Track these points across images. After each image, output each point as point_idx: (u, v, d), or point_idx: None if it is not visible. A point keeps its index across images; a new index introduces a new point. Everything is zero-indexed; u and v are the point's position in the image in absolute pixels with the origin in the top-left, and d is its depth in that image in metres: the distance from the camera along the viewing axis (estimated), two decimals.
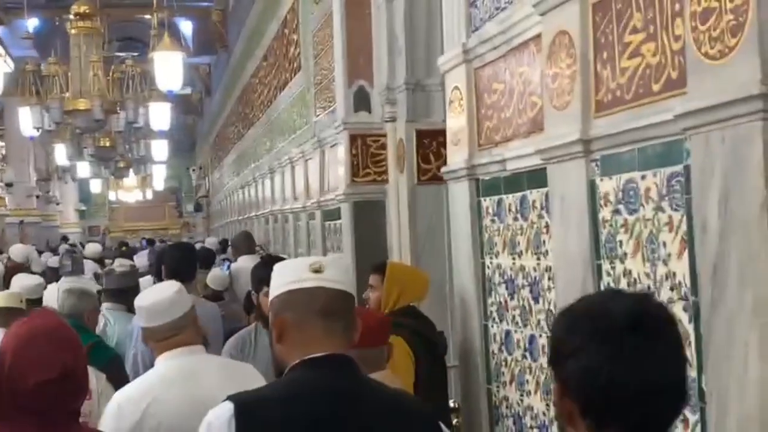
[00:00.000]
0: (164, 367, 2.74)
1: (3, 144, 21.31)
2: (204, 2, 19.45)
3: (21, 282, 5.15)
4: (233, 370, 2.83)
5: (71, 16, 10.62)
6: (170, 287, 2.87)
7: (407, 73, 5.56)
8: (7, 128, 19.25)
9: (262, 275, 3.57)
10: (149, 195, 29.57)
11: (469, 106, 3.87)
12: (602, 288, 2.74)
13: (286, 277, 1.88)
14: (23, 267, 8.59)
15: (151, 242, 16.04)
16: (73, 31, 10.62)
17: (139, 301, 2.83)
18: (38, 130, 11.18)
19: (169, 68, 9.36)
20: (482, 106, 3.79)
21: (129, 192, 29.32)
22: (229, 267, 7.82)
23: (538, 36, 3.14)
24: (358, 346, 1.93)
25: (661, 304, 1.40)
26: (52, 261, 9.75)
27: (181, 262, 4.71)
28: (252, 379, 2.65)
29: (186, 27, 23.29)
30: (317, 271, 1.84)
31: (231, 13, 16.44)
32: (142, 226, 30.18)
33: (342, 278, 1.88)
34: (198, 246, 8.68)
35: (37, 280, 5.29)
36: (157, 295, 2.81)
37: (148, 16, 12.51)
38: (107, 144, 14.45)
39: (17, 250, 9.60)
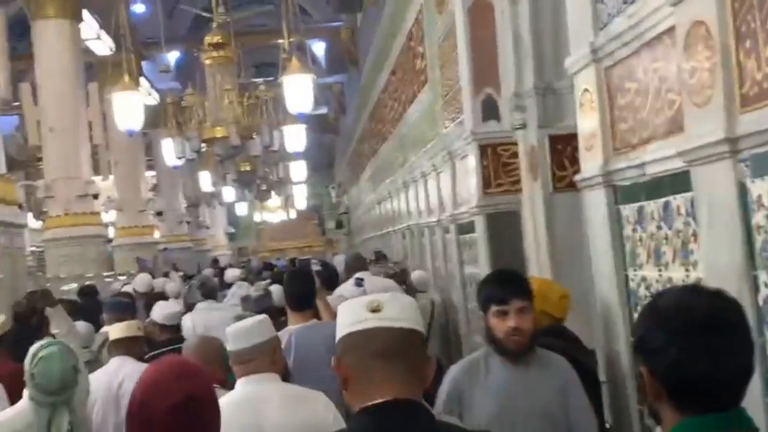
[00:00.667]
0: (236, 391, 2.98)
1: (154, 174, 22.29)
2: (334, 23, 19.73)
3: (161, 310, 5.28)
4: (299, 400, 2.97)
5: (205, 47, 10.93)
6: (258, 317, 3.18)
7: (536, 78, 5.32)
8: (156, 159, 20.10)
9: (489, 293, 3.33)
10: (292, 214, 30.28)
11: (601, 108, 3.62)
12: (760, 302, 2.46)
13: (346, 319, 1.77)
14: (151, 295, 8.70)
15: (269, 267, 16.11)
16: (207, 62, 10.93)
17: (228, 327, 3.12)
18: (181, 159, 11.55)
19: (298, 91, 9.46)
20: (615, 108, 3.53)
21: (273, 213, 30.11)
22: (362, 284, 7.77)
23: (672, 28, 2.87)
24: None
25: (734, 300, 1.58)
26: (170, 288, 9.73)
27: (297, 292, 4.71)
28: (321, 410, 2.83)
29: (318, 48, 23.76)
30: (375, 310, 1.73)
31: (360, 30, 16.59)
32: (288, 245, 30.91)
33: (403, 315, 1.74)
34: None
35: (176, 307, 5.41)
36: (242, 322, 3.09)
37: (281, 40, 12.73)
38: (248, 168, 14.81)
39: (140, 281, 9.76)
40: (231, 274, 10.61)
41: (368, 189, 18.04)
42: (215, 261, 22.67)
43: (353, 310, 1.77)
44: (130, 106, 9.34)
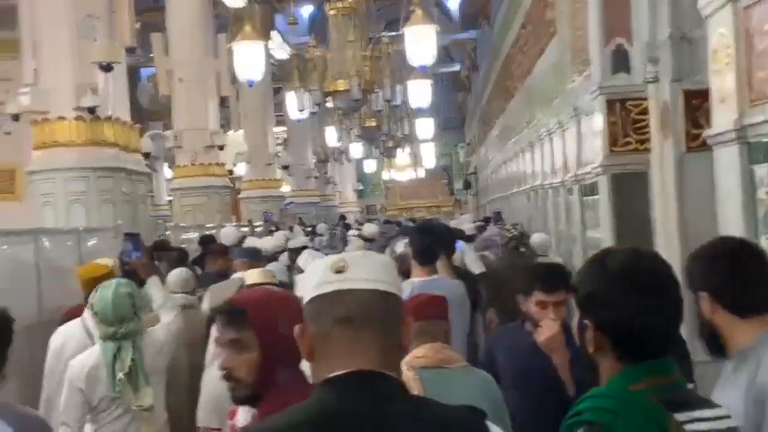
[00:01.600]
0: None
1: (284, 129, 22.47)
2: None
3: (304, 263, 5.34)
4: None
5: None
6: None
7: (671, 26, 4.77)
8: (286, 114, 20.23)
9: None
10: (421, 173, 29.99)
11: (738, 55, 3.12)
12: None
13: (309, 281, 1.54)
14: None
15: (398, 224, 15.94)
16: (331, 12, 10.70)
17: None
18: (302, 113, 11.42)
19: (421, 43, 9.10)
20: (753, 54, 3.03)
21: (402, 171, 29.93)
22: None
23: None
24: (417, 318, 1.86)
25: (667, 263, 1.80)
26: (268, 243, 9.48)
27: (422, 246, 4.84)
28: None
29: (452, 3, 23.18)
30: (339, 270, 1.49)
31: None
32: (416, 204, 30.67)
33: (372, 275, 1.50)
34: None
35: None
36: None
37: None
38: (373, 124, 14.60)
39: (227, 233, 9.46)
40: (369, 230, 10.51)
41: (495, 148, 17.55)
42: (342, 217, 22.76)
43: (317, 271, 1.53)
44: (251, 57, 9.22)
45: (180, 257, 6.92)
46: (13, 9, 10.02)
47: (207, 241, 8.61)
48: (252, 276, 4.65)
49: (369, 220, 21.46)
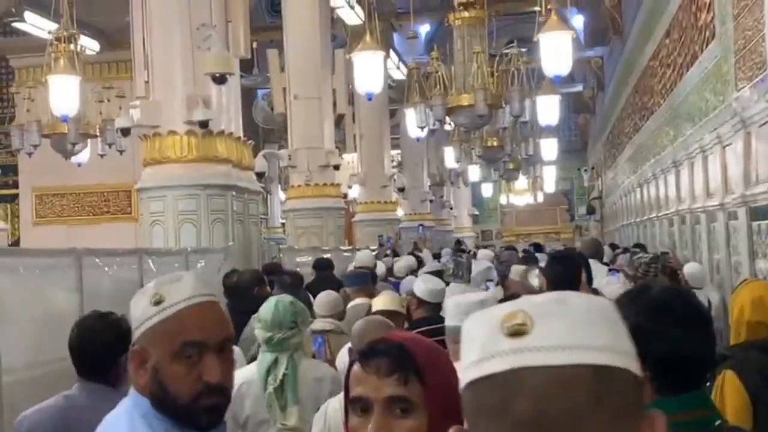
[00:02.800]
0: None
1: (399, 152, 21.92)
2: None
3: (424, 284, 4.76)
4: None
5: (455, 7, 10.02)
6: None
7: None
8: (402, 135, 19.66)
9: None
10: (540, 198, 28.89)
11: None
12: None
13: (469, 348, 0.82)
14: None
15: (538, 247, 15.07)
16: (456, 23, 10.01)
17: None
18: (422, 130, 10.74)
19: (557, 50, 8.30)
20: None
21: (520, 195, 28.90)
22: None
23: None
24: None
25: (700, 300, 1.98)
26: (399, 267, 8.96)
27: (561, 275, 4.38)
28: None
29: (577, 21, 22.19)
30: (518, 333, 0.79)
31: None
32: (534, 230, 29.62)
33: (581, 339, 0.78)
34: None
35: (441, 284, 4.89)
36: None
37: (537, 8, 11.61)
38: (494, 144, 13.83)
39: (363, 257, 8.94)
40: (484, 254, 9.75)
41: (626, 171, 16.42)
42: (458, 242, 21.99)
43: (481, 331, 0.82)
44: (371, 68, 8.60)
45: (293, 281, 6.32)
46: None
47: (322, 266, 8.01)
48: (381, 301, 4.28)
49: (485, 246, 20.66)
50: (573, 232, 30.11)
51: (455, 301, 3.22)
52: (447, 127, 19.31)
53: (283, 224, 16.27)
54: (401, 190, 16.59)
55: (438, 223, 22.83)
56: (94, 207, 15.36)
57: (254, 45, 11.90)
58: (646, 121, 12.71)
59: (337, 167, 12.24)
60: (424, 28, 21.04)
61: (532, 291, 5.31)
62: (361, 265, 7.78)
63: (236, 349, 3.51)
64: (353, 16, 15.42)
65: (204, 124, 7.91)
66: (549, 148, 15.73)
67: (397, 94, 19.41)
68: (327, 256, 8.93)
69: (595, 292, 5.35)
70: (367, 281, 6.15)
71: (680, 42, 9.19)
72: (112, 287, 5.42)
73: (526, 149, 14.11)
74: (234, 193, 8.30)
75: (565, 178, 29.08)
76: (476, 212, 29.51)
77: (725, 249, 6.94)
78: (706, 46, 7.70)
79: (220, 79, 7.88)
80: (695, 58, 8.33)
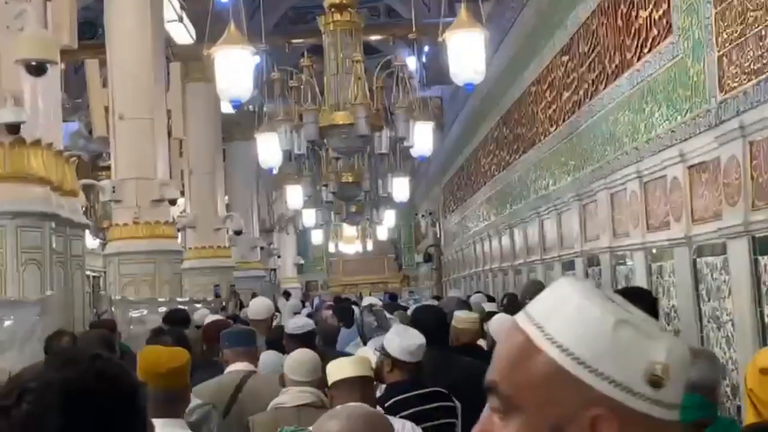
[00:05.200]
0: None
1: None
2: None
3: (399, 339, 3.71)
4: None
5: (326, 8, 8.38)
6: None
7: None
8: (228, 177, 17.70)
9: None
10: (369, 246, 27.52)
11: None
12: None
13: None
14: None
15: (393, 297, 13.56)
16: (329, 28, 8.36)
17: None
18: (289, 155, 8.93)
19: (468, 53, 6.83)
20: None
21: (350, 243, 27.43)
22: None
23: None
24: None
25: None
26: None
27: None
28: None
29: (411, 62, 21.23)
30: (656, 384, 0.79)
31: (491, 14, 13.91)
32: (361, 279, 28.21)
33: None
34: None
35: (419, 340, 3.76)
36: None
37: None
38: (350, 180, 12.23)
39: (258, 306, 6.84)
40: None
41: (481, 215, 15.35)
42: (286, 293, 20.17)
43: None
44: (237, 67, 6.76)
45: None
46: None
47: (177, 320, 6.01)
48: (343, 369, 3.05)
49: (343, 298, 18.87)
50: (401, 281, 29.00)
51: None
52: (274, 171, 17.60)
53: (102, 272, 13.71)
54: (238, 233, 14.59)
55: (268, 273, 20.86)
56: None
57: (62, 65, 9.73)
58: (519, 155, 11.57)
59: (173, 202, 10.15)
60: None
61: None
62: (256, 317, 5.82)
63: None
64: (183, 33, 13.48)
65: (13, 129, 5.75)
66: (401, 187, 14.28)
67: (224, 125, 17.54)
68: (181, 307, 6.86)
69: None
70: (254, 342, 4.43)
71: (591, 54, 8.01)
72: None
73: (384, 187, 12.59)
74: (54, 224, 6.15)
75: (402, 224, 27.95)
76: (302, 261, 27.73)
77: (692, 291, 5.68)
78: (649, 50, 6.49)
79: (37, 69, 5.78)
80: (622, 69, 7.12)
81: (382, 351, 3.61)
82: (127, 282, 9.81)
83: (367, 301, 7.15)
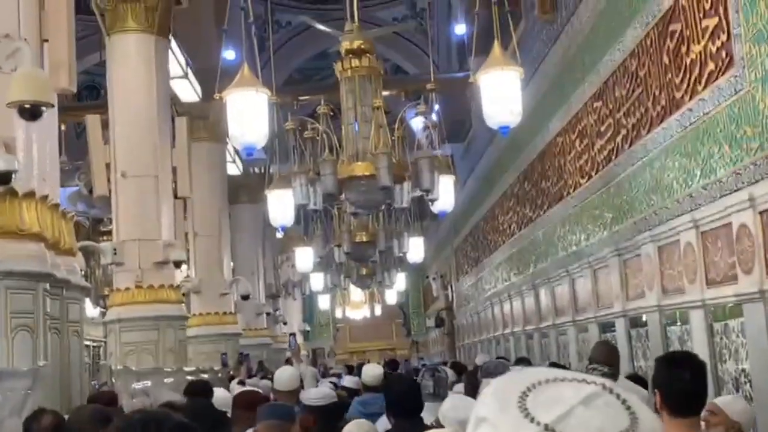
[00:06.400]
0: None
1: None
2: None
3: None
4: None
5: (343, 54, 7.86)
6: None
7: None
8: (233, 236, 17.07)
9: None
10: (378, 311, 26.71)
11: None
12: None
13: None
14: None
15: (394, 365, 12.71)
16: (346, 74, 7.83)
17: None
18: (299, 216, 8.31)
19: (503, 94, 6.27)
20: None
21: (357, 309, 26.63)
22: None
23: None
24: None
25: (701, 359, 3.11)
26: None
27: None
28: None
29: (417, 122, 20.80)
30: None
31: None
32: (369, 346, 27.35)
33: None
34: None
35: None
36: None
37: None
38: (363, 239, 11.60)
39: (285, 376, 6.10)
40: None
41: (499, 276, 14.66)
42: (289, 361, 19.36)
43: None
44: (251, 110, 6.17)
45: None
46: None
47: (198, 391, 5.31)
48: None
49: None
50: (410, 348, 28.12)
51: None
52: (278, 234, 17.04)
53: (102, 342, 12.98)
54: (245, 297, 13.88)
55: (275, 341, 20.05)
56: None
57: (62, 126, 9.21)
58: (544, 210, 10.96)
59: (178, 264, 9.49)
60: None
61: None
62: (285, 389, 5.12)
63: None
64: (189, 90, 13.00)
65: (4, 179, 5.14)
66: (417, 247, 13.66)
67: (234, 186, 17.04)
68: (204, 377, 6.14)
69: None
70: (292, 415, 3.76)
71: (630, 97, 7.45)
72: None
73: (399, 246, 11.93)
74: (48, 286, 5.48)
75: (411, 287, 27.18)
76: (308, 328, 26.90)
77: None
78: (704, 87, 5.91)
79: (31, 113, 5.18)
80: (670, 110, 6.54)
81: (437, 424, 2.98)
82: (128, 351, 9.08)
83: (367, 369, 6.40)
